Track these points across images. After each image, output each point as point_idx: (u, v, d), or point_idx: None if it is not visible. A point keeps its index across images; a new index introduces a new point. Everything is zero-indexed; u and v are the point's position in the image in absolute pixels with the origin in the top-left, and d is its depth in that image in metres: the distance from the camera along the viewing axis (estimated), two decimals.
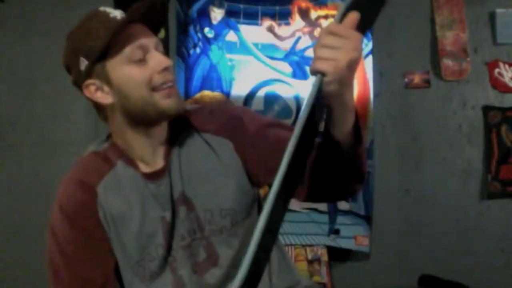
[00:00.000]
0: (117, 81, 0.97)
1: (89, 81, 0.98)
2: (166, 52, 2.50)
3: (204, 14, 2.51)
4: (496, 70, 2.60)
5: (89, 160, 1.07)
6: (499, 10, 2.58)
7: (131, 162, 1.04)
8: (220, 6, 2.52)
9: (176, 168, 1.04)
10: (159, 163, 1.04)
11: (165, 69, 0.98)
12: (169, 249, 1.04)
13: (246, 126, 1.04)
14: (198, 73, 2.51)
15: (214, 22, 2.52)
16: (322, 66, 0.75)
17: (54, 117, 2.45)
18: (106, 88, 0.98)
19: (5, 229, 2.45)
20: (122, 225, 1.03)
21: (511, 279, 2.59)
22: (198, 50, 2.51)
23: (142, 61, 0.97)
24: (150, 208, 1.03)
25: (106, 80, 0.98)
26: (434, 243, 2.59)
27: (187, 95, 2.50)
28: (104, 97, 0.99)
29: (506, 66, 2.59)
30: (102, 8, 0.98)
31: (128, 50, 0.96)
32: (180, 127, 1.07)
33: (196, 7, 2.51)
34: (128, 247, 1.03)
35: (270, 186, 1.05)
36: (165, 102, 0.98)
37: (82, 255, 1.03)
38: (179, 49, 2.50)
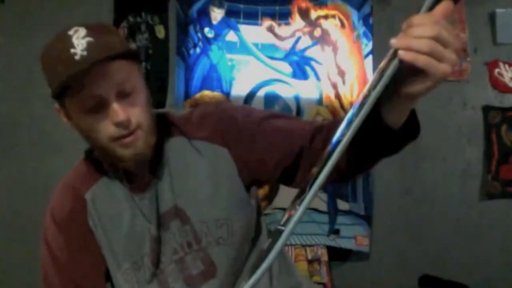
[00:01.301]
0: (75, 122, 0.94)
1: (57, 105, 0.96)
2: (166, 53, 2.50)
3: (204, 14, 2.51)
4: (496, 70, 2.60)
5: (82, 166, 1.06)
6: (499, 10, 2.58)
7: (118, 172, 1.02)
8: (220, 6, 2.52)
9: (166, 181, 1.01)
10: (146, 176, 1.01)
11: (119, 124, 0.90)
12: (157, 261, 1.02)
13: (242, 126, 1.01)
14: (198, 73, 2.51)
15: (214, 22, 2.52)
16: (442, 67, 0.66)
17: (54, 117, 2.44)
18: (68, 121, 0.96)
19: (5, 229, 2.44)
20: (112, 231, 1.02)
21: (511, 279, 2.59)
22: (198, 50, 2.51)
23: (98, 109, 0.90)
24: (137, 219, 1.02)
25: (67, 115, 0.95)
26: (434, 243, 2.59)
27: (187, 95, 2.50)
28: (70, 125, 0.96)
29: (506, 66, 2.59)
30: (71, 32, 0.89)
31: (82, 98, 0.90)
32: (169, 136, 1.03)
33: (196, 7, 2.51)
34: (118, 254, 1.02)
35: (278, 180, 1.03)
36: (122, 152, 0.93)
37: (74, 262, 1.02)
38: (179, 49, 2.50)
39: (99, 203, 1.02)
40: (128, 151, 0.93)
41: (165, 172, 1.01)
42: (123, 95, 0.91)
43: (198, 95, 2.50)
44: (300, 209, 0.67)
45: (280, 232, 0.68)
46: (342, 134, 0.70)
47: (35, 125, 2.46)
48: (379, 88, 0.67)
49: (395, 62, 0.67)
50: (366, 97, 0.68)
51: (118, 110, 0.90)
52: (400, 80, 0.71)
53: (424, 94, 0.71)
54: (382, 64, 0.70)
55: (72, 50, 0.87)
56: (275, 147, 0.98)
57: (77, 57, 0.86)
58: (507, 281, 2.58)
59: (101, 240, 1.02)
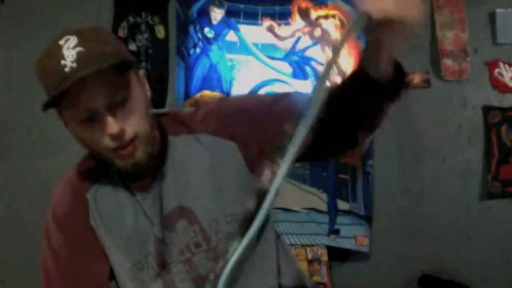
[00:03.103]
0: (72, 130, 0.94)
1: (56, 112, 0.95)
2: (166, 53, 2.50)
3: (204, 14, 2.51)
4: (496, 70, 2.60)
5: (84, 163, 1.05)
6: (499, 10, 2.58)
7: (121, 171, 1.00)
8: (220, 6, 2.52)
9: (170, 180, 1.00)
10: (149, 175, 1.00)
11: (113, 136, 0.89)
12: (162, 262, 1.01)
13: (250, 116, 0.99)
14: (198, 73, 2.51)
15: (214, 22, 2.52)
16: (415, 11, 0.70)
17: (54, 117, 2.44)
18: (67, 127, 0.95)
19: (5, 229, 2.45)
20: (114, 231, 1.01)
21: (511, 279, 2.59)
22: (198, 50, 2.51)
23: (92, 120, 0.89)
24: (140, 219, 1.01)
25: (65, 123, 0.95)
26: (434, 243, 2.59)
27: (187, 95, 2.50)
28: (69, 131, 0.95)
29: (506, 66, 2.59)
30: (62, 41, 0.87)
31: (74, 110, 0.89)
32: (173, 135, 1.02)
33: (196, 7, 2.51)
34: (121, 253, 1.01)
35: (301, 159, 1.00)
36: (119, 162, 0.93)
37: (75, 260, 1.01)
38: (179, 49, 2.50)
39: (101, 202, 1.01)
40: (126, 162, 0.93)
41: (169, 171, 1.00)
42: (116, 105, 0.89)
43: (198, 95, 2.50)
44: (285, 164, 0.68)
45: (263, 192, 0.68)
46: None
47: (35, 125, 2.46)
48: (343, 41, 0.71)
49: (362, 24, 0.70)
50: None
51: (111, 122, 0.88)
52: (371, 33, 0.74)
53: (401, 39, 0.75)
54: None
55: (62, 62, 0.86)
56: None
57: (67, 69, 0.85)
58: (507, 281, 2.58)
59: (104, 239, 1.01)
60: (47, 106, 0.89)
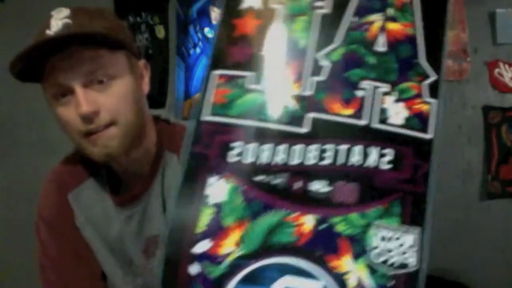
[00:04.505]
0: (53, 113, 0.86)
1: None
2: (166, 53, 2.50)
3: (204, 14, 2.51)
4: (496, 70, 2.60)
5: (71, 160, 0.99)
6: (499, 10, 2.57)
7: (109, 175, 0.94)
8: (220, 6, 2.52)
9: (157, 202, 0.92)
10: (135, 189, 0.92)
11: (83, 117, 0.80)
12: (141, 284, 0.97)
13: None
14: (198, 73, 2.51)
15: (214, 22, 2.52)
16: None
17: (54, 117, 2.44)
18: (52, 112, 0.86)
19: (5, 229, 2.44)
20: (98, 236, 0.95)
21: (511, 279, 2.58)
22: (198, 50, 2.51)
23: (67, 99, 0.82)
24: (120, 231, 0.95)
25: (48, 103, 0.87)
26: (433, 243, 2.57)
27: (187, 95, 2.49)
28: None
29: (506, 66, 2.59)
30: (54, 12, 0.84)
31: (51, 87, 0.83)
32: (171, 151, 0.92)
33: (196, 7, 2.51)
34: (108, 257, 0.97)
35: None
36: (92, 150, 0.84)
37: (64, 258, 0.96)
38: (179, 49, 2.50)
39: (86, 205, 0.96)
40: (97, 149, 0.84)
41: (157, 190, 0.92)
42: (95, 84, 0.82)
43: (198, 95, 2.49)
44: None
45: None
46: None
47: (35, 125, 2.46)
48: None
49: None
50: None
51: (83, 101, 0.80)
52: None
53: None
54: None
55: (47, 31, 0.81)
56: None
57: (50, 33, 0.81)
58: (507, 281, 2.58)
59: (91, 242, 0.96)
60: (16, 73, 0.82)
